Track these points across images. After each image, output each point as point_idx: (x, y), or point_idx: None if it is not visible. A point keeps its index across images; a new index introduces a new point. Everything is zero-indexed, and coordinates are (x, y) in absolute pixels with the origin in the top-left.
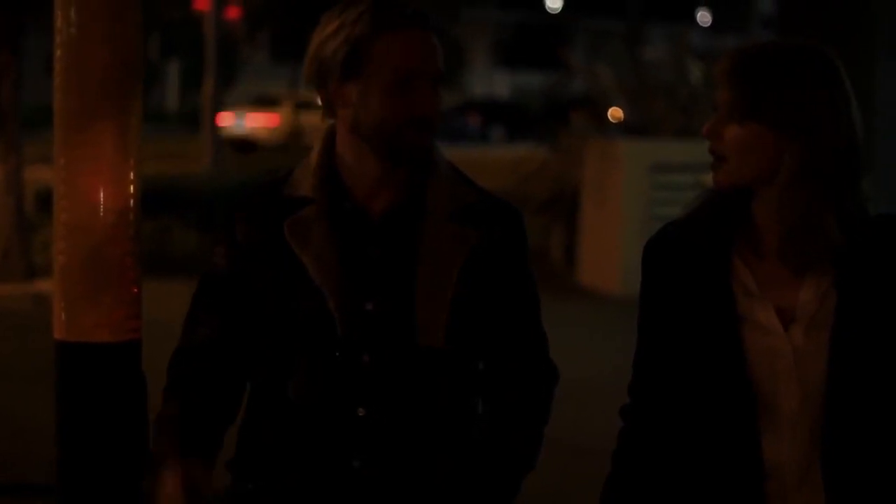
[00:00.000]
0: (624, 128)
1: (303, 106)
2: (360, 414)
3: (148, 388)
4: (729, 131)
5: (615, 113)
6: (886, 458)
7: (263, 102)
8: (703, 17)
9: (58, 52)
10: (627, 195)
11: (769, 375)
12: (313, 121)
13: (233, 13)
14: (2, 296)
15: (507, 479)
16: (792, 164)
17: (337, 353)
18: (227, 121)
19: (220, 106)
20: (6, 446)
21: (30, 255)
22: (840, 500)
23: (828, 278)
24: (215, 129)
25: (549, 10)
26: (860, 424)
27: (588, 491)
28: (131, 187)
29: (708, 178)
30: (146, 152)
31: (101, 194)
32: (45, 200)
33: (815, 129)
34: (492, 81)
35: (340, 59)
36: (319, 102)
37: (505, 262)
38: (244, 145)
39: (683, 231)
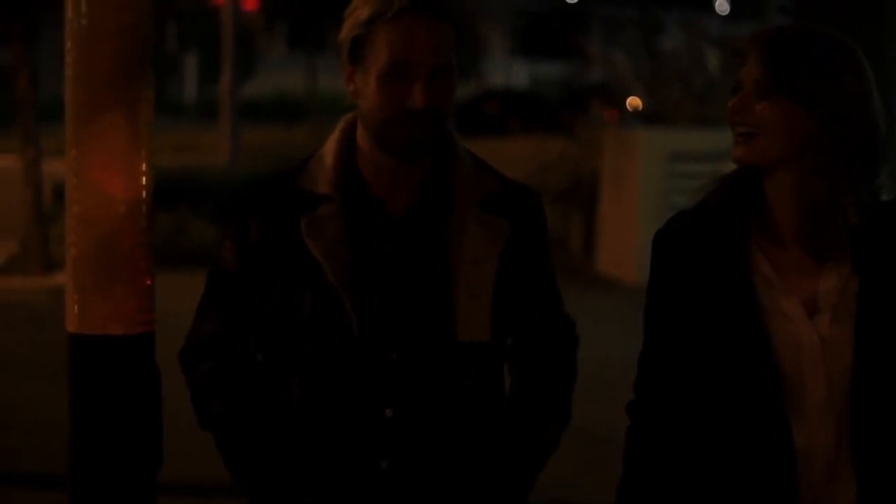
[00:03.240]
0: (641, 117)
1: None
2: (388, 415)
3: (162, 381)
4: (760, 107)
5: (633, 102)
6: None
7: None
8: (721, 5)
9: (68, 44)
10: (645, 184)
11: (796, 365)
12: None
13: (250, 4)
14: (20, 289)
15: (535, 461)
16: (820, 147)
17: (353, 354)
18: None
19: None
20: (25, 439)
21: (48, 247)
22: (871, 486)
23: (846, 265)
24: (234, 120)
25: None
26: (888, 411)
27: (606, 478)
28: (143, 178)
29: (726, 167)
30: (164, 144)
31: (113, 186)
32: (62, 193)
33: (846, 113)
34: (510, 71)
35: (349, 41)
36: None
37: (532, 247)
38: None
39: (695, 221)
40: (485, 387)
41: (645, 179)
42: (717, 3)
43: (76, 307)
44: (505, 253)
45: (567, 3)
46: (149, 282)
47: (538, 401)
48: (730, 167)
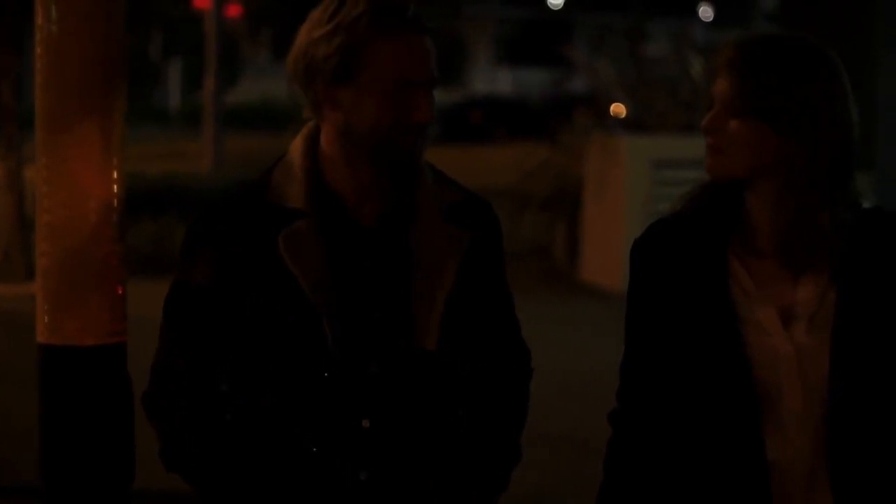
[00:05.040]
0: (626, 124)
1: None
2: (365, 425)
3: (139, 389)
4: (731, 125)
5: (617, 109)
6: (893, 456)
7: None
8: (705, 12)
9: (38, 51)
10: (629, 191)
11: (772, 376)
12: None
13: (233, 11)
14: (2, 296)
15: (498, 475)
16: (791, 162)
17: (330, 368)
18: None
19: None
20: (6, 448)
21: (31, 255)
22: (847, 498)
23: (825, 275)
24: (217, 127)
25: (550, 6)
26: (865, 422)
27: (592, 487)
28: (115, 187)
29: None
30: (148, 152)
31: (84, 194)
32: None
33: (815, 127)
34: (494, 78)
35: (335, 62)
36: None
37: (489, 259)
38: None
39: (674, 229)
40: (450, 392)
41: (629, 186)
42: (700, 10)
43: (46, 318)
44: (464, 264)
45: (551, 10)
46: (120, 291)
47: (488, 439)
48: None
